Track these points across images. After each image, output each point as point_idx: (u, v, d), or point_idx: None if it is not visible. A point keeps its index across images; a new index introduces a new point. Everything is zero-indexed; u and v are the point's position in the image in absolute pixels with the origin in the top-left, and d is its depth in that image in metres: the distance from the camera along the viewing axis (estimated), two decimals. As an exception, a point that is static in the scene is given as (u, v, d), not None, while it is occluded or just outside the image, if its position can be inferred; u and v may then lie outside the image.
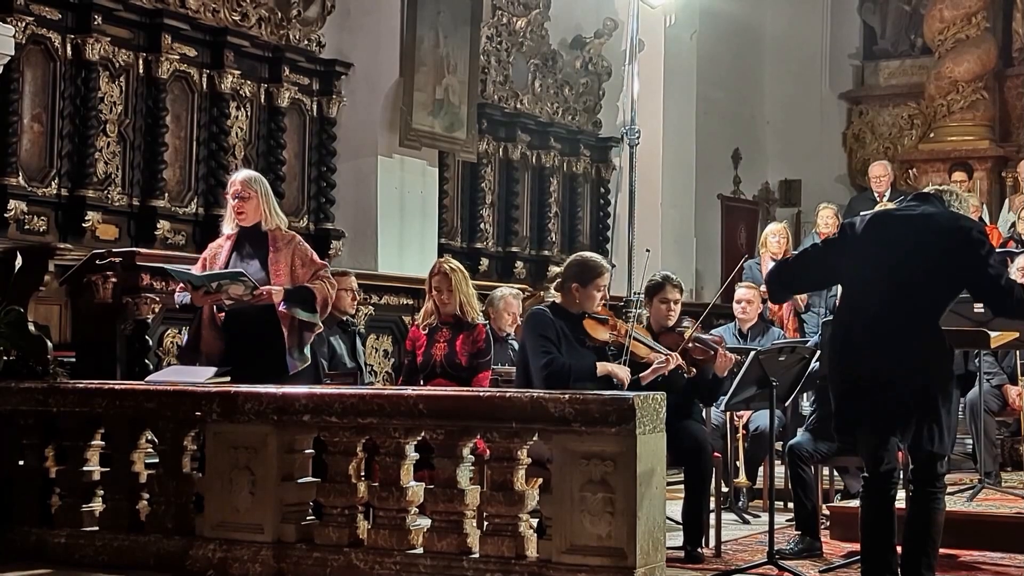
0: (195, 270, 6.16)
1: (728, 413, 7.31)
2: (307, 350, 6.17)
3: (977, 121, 14.17)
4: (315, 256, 6.33)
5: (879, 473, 4.87)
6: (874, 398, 4.77)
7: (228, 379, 5.84)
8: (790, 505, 7.59)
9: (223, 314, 6.11)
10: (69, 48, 8.00)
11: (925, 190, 5.12)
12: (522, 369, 6.16)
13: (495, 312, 7.70)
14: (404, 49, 9.78)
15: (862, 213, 5.18)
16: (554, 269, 6.60)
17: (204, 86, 8.89)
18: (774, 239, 9.78)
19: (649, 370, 6.31)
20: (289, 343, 6.06)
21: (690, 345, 6.43)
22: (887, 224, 4.95)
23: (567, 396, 4.86)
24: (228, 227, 6.25)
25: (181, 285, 6.14)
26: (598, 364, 6.08)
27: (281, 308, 6.02)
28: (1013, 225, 10.80)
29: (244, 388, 5.55)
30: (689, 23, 12.73)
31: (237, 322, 6.09)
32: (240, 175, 6.28)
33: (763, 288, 8.96)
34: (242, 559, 5.38)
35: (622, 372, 6.12)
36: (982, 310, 6.67)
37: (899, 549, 4.90)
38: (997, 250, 8.61)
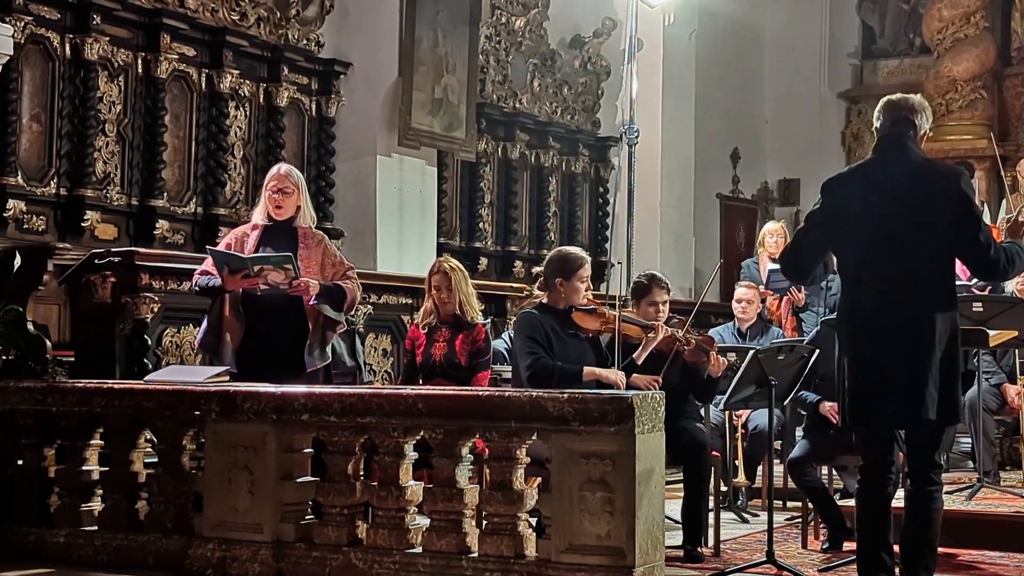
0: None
1: (727, 412, 7.32)
2: (328, 349, 6.18)
3: (976, 120, 14.17)
4: (344, 257, 6.36)
5: (876, 468, 4.85)
6: (883, 394, 4.74)
7: (227, 378, 5.84)
8: (789, 504, 7.61)
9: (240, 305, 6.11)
10: (68, 48, 7.99)
11: (886, 120, 4.89)
12: (515, 374, 6.19)
13: None
14: (403, 49, 9.78)
15: (837, 175, 5.03)
16: (536, 269, 6.62)
17: (203, 86, 8.88)
18: (771, 239, 9.77)
19: (641, 348, 6.31)
20: (312, 339, 6.08)
21: (683, 348, 6.42)
22: (869, 188, 4.84)
23: (566, 396, 4.87)
24: (259, 217, 6.25)
25: (203, 268, 6.12)
26: (585, 369, 6.09)
27: (311, 303, 6.02)
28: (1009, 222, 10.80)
29: (243, 387, 5.55)
30: (688, 22, 12.72)
31: (255, 310, 6.07)
32: (281, 168, 6.32)
33: (762, 288, 8.98)
34: (241, 558, 5.38)
35: (614, 375, 6.11)
36: (981, 309, 6.69)
37: (897, 548, 4.89)
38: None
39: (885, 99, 5.00)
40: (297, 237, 6.18)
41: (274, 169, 6.36)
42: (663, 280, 6.65)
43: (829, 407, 6.43)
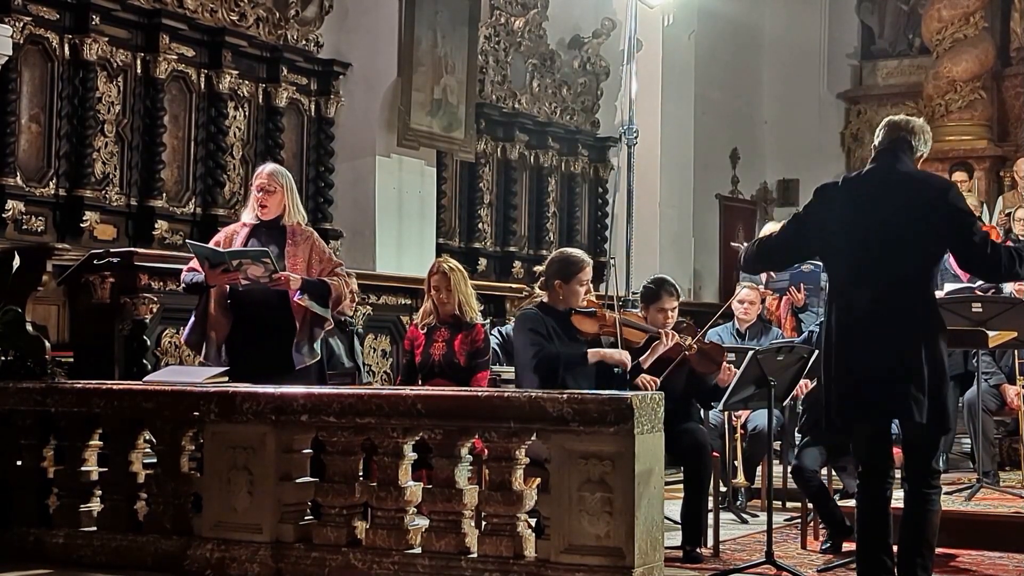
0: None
1: (726, 413, 7.31)
2: (317, 346, 6.17)
3: (975, 121, 14.18)
4: (332, 254, 6.36)
5: (874, 469, 4.85)
6: (871, 386, 4.74)
7: (226, 379, 5.83)
8: (788, 504, 7.61)
9: (228, 302, 6.11)
10: (67, 48, 8.00)
11: (884, 138, 4.94)
12: (517, 373, 6.18)
13: None
14: (402, 49, 9.79)
15: (831, 181, 5.05)
16: (538, 269, 6.62)
17: (202, 86, 8.89)
18: (772, 239, 9.75)
19: (648, 352, 6.30)
20: (300, 337, 6.06)
21: (691, 355, 6.39)
22: (860, 195, 4.85)
23: (565, 396, 4.86)
24: (248, 216, 6.27)
25: (190, 265, 6.12)
26: (590, 351, 6.09)
27: (296, 298, 6.02)
28: (1009, 217, 10.79)
29: (242, 388, 5.55)
30: (687, 23, 12.72)
31: (244, 307, 6.07)
32: (266, 168, 6.32)
33: (761, 288, 8.99)
34: (240, 559, 5.38)
35: (619, 355, 6.13)
36: (980, 310, 6.69)
37: (895, 549, 4.88)
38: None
39: (887, 118, 5.08)
40: (286, 235, 6.19)
41: (259, 169, 6.37)
42: (673, 286, 6.61)
43: (802, 383, 6.44)
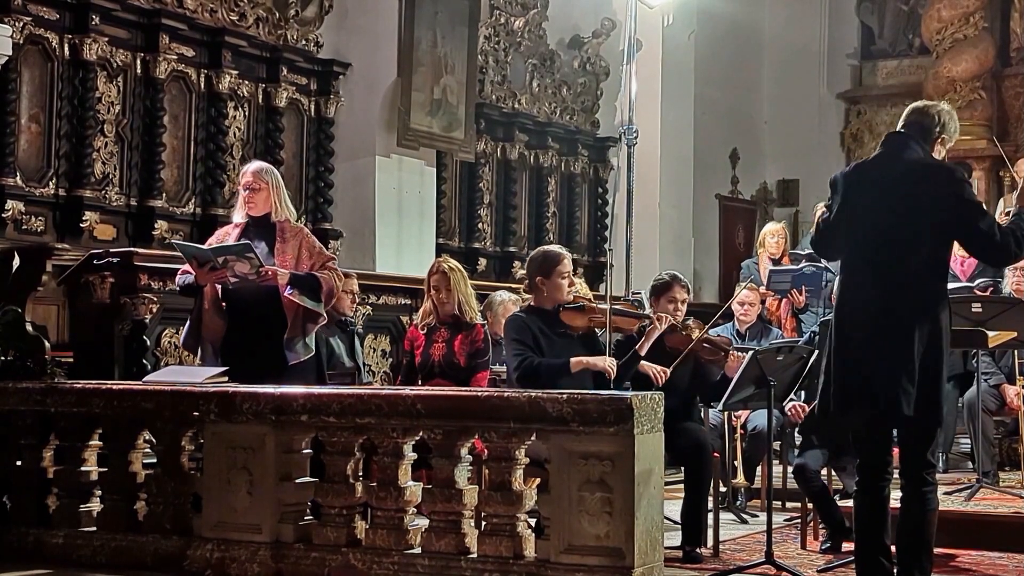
0: None
1: (726, 413, 7.31)
2: (310, 341, 6.16)
3: (975, 121, 14.17)
4: (323, 248, 6.35)
5: (872, 466, 4.84)
6: (869, 377, 4.73)
7: (226, 379, 5.83)
8: (788, 504, 7.61)
9: (223, 304, 6.11)
10: (67, 48, 8.00)
11: (901, 123, 4.96)
12: (509, 378, 6.17)
13: (493, 316, 7.67)
14: (402, 49, 9.79)
15: (845, 170, 5.04)
16: (520, 272, 6.58)
17: (202, 86, 8.89)
18: (772, 239, 9.77)
19: (643, 339, 6.27)
20: (291, 333, 6.05)
21: (699, 346, 6.37)
22: (867, 184, 4.85)
23: (565, 396, 4.86)
24: (238, 216, 6.28)
25: (184, 268, 6.14)
26: (572, 360, 6.00)
27: (286, 294, 6.01)
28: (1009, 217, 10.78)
29: (242, 388, 5.55)
30: (687, 23, 12.73)
31: (238, 306, 6.08)
32: (252, 166, 6.32)
33: (762, 288, 8.98)
34: (240, 559, 5.38)
35: (602, 362, 6.03)
36: (980, 310, 6.69)
37: (894, 548, 4.88)
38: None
39: (913, 104, 5.07)
40: (275, 232, 6.19)
41: (245, 168, 6.36)
42: (683, 279, 6.64)
43: (790, 407, 6.44)
